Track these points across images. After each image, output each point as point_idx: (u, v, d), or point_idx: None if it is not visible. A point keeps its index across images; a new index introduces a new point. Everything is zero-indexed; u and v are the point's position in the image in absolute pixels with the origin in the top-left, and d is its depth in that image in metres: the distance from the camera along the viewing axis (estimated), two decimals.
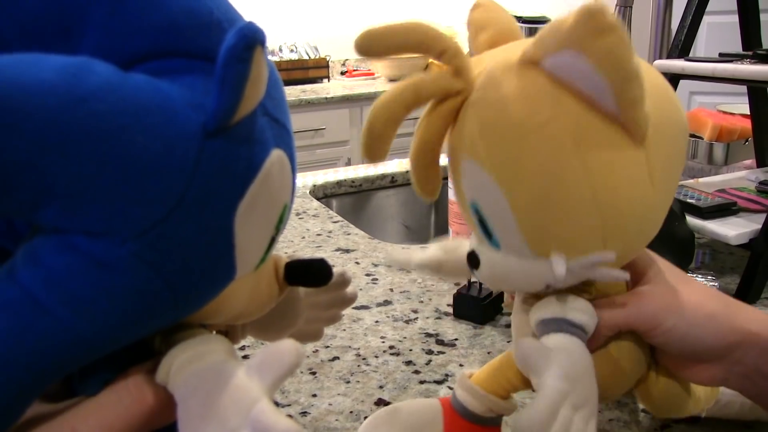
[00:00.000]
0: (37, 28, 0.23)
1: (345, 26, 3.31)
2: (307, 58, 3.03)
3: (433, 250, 0.47)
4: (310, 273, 0.33)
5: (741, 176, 1.15)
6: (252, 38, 0.22)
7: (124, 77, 0.22)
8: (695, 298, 0.38)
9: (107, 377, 0.27)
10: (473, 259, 0.38)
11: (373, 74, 3.27)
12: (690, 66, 0.92)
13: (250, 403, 0.25)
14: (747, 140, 1.21)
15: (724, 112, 1.42)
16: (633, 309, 0.38)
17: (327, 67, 3.05)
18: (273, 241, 0.29)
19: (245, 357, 0.63)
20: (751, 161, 1.22)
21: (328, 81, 3.08)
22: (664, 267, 0.40)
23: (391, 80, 3.09)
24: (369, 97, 2.81)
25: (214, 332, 0.30)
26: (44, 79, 0.20)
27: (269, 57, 0.26)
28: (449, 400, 0.45)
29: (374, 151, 0.33)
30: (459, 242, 0.45)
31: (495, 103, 0.32)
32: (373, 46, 0.31)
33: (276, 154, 0.26)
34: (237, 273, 0.27)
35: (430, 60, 3.38)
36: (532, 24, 1.36)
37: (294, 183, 0.30)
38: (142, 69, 0.23)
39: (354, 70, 3.31)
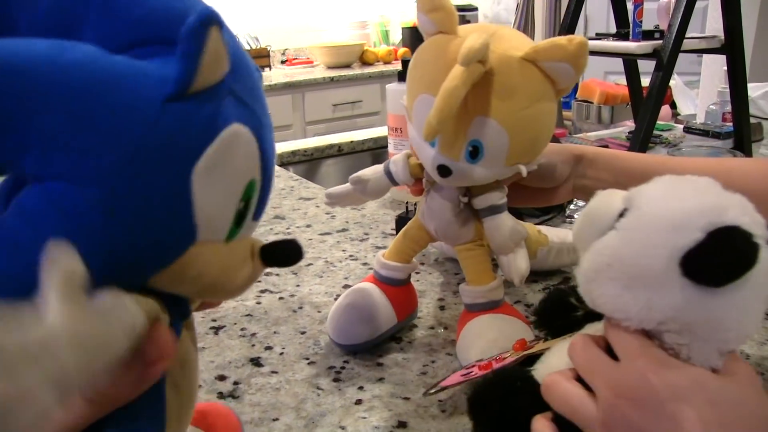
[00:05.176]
0: (45, 26, 0.27)
1: (284, 17, 3.43)
2: (248, 48, 3.13)
3: (358, 173, 0.64)
4: (283, 252, 0.36)
5: (620, 130, 1.42)
6: (207, 18, 0.25)
7: (105, 54, 0.26)
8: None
9: None
10: (445, 170, 0.52)
11: (311, 62, 3.40)
12: None
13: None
14: (628, 104, 1.47)
15: (617, 84, 1.69)
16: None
17: (268, 56, 3.17)
18: (242, 216, 0.31)
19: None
20: (632, 121, 1.49)
21: (270, 70, 3.20)
22: None
23: (330, 67, 3.24)
24: (309, 84, 2.98)
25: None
26: (35, 49, 0.24)
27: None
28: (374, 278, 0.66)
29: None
30: (374, 169, 0.63)
31: (512, 84, 0.48)
32: None
33: (238, 128, 0.29)
34: (198, 235, 0.29)
35: (366, 48, 3.51)
36: (461, 12, 1.58)
37: (266, 163, 0.32)
38: (126, 56, 0.27)
39: (294, 59, 3.43)
